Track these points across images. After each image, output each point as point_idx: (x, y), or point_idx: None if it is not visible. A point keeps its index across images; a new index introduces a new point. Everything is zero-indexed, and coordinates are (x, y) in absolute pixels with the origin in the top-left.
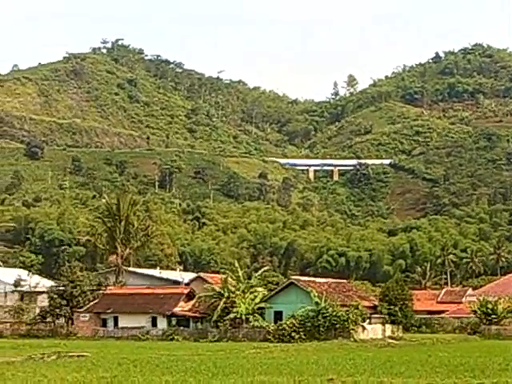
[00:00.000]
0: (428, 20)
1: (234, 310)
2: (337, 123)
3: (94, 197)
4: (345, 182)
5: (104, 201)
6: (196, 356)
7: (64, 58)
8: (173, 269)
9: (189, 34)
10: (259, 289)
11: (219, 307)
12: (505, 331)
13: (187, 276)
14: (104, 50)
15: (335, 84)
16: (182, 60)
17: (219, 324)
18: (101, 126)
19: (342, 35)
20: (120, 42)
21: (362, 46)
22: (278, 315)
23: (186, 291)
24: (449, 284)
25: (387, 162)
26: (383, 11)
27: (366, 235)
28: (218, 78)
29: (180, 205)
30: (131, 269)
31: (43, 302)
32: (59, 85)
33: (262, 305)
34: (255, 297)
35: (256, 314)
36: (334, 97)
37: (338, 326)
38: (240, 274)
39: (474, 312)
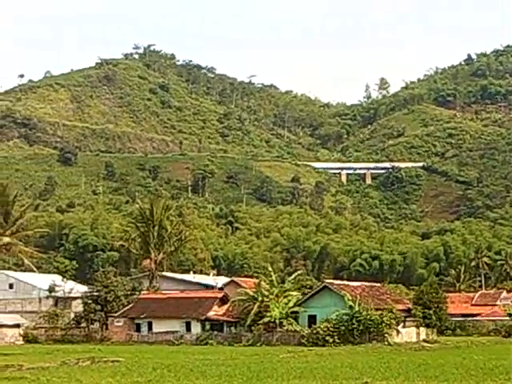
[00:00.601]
0: (460, 21)
1: (268, 314)
2: (369, 126)
3: (128, 202)
4: (378, 185)
5: (137, 206)
6: (230, 360)
7: (96, 63)
8: (206, 273)
9: (220, 38)
10: (293, 293)
11: (253, 311)
12: None
13: (221, 280)
14: (136, 56)
15: (367, 87)
16: (214, 65)
17: (253, 328)
18: (133, 131)
19: (372, 37)
20: (152, 48)
21: (393, 48)
22: (312, 319)
23: (219, 295)
24: (483, 287)
25: (420, 164)
26: (414, 12)
27: (399, 238)
28: (249, 82)
29: (213, 209)
30: (165, 273)
31: (77, 307)
32: (92, 91)
33: (296, 309)
34: (289, 301)
35: (290, 318)
36: (366, 100)
37: (372, 329)
38: (273, 278)
39: (509, 315)
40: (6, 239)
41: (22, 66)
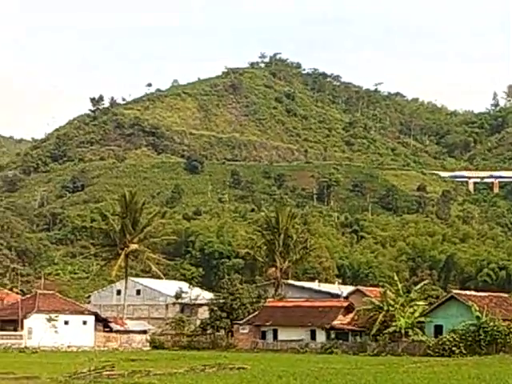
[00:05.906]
0: None
1: (394, 323)
2: (497, 134)
3: (253, 210)
4: (506, 194)
5: (263, 214)
6: (356, 370)
7: (223, 72)
8: (331, 282)
9: (346, 46)
10: (419, 302)
11: (378, 321)
12: None
13: (346, 289)
14: (262, 65)
15: (495, 95)
16: (340, 73)
17: (378, 338)
18: (259, 139)
19: (500, 45)
20: (278, 57)
21: None
22: (438, 329)
23: (344, 304)
24: None
25: None
26: None
27: None
28: (375, 90)
29: (338, 218)
30: (290, 282)
31: (203, 314)
32: (218, 99)
33: (422, 319)
34: (415, 310)
35: (416, 328)
36: (493, 108)
37: (499, 340)
38: (399, 287)
39: None
40: (134, 246)
41: (149, 75)
